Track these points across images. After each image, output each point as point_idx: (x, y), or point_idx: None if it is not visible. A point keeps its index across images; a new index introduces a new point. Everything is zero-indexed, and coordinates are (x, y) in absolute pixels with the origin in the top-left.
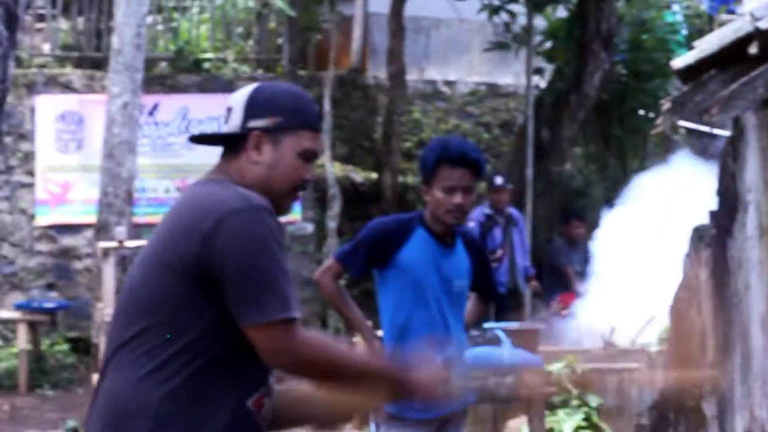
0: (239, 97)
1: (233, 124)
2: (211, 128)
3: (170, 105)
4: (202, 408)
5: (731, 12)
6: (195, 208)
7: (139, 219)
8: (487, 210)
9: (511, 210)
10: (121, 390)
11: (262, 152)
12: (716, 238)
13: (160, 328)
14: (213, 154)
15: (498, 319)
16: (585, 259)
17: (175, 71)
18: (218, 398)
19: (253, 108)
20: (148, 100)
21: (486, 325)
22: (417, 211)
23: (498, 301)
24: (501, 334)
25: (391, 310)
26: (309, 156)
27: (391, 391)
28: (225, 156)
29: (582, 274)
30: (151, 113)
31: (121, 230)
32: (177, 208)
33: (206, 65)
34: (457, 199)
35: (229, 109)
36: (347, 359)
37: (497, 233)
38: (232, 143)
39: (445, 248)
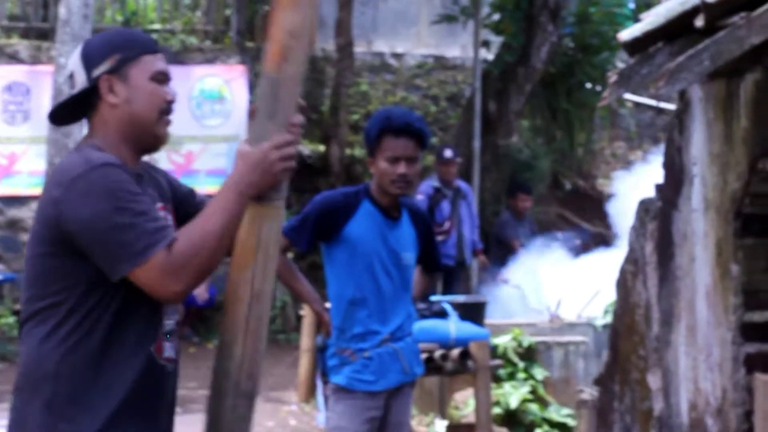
0: (74, 59)
1: (80, 83)
2: None
3: None
4: (104, 364)
5: None
6: (49, 179)
7: None
8: (436, 183)
9: (460, 183)
10: (26, 357)
11: (116, 93)
12: (662, 211)
13: (49, 296)
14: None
15: (445, 292)
16: (531, 232)
17: None
18: (119, 352)
19: (89, 59)
20: None
21: (433, 298)
22: (363, 184)
23: (445, 273)
24: (448, 307)
25: (339, 283)
26: (161, 78)
27: (252, 189)
28: (90, 119)
29: (527, 247)
30: None
31: None
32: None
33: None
34: (401, 168)
35: (71, 75)
36: (215, 224)
37: (445, 206)
38: (89, 105)
39: (392, 221)
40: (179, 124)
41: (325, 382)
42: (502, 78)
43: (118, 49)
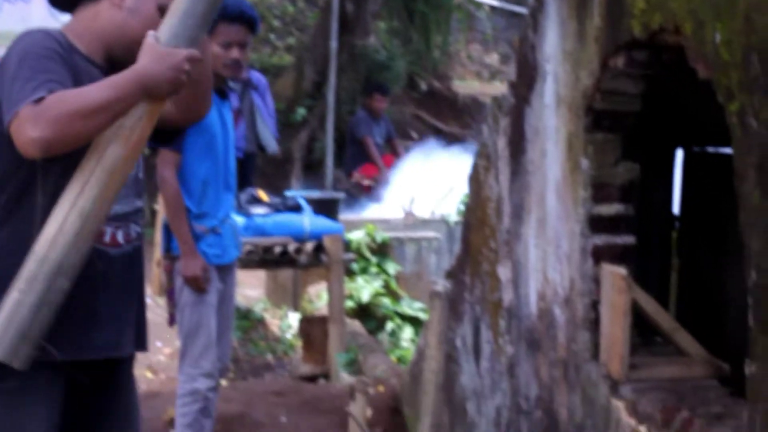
0: None
1: None
2: None
3: None
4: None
5: None
6: None
7: None
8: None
9: (253, 74)
10: None
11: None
12: (514, 108)
13: None
14: (19, 20)
15: (240, 184)
16: (387, 132)
17: None
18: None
19: None
20: None
21: (288, 192)
22: None
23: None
24: (302, 202)
25: (193, 165)
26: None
27: (144, 91)
28: (79, 10)
29: (383, 147)
30: None
31: None
32: None
33: None
34: (234, 53)
35: None
36: (98, 94)
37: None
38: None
39: (222, 102)
40: None
41: (171, 259)
42: None
43: None
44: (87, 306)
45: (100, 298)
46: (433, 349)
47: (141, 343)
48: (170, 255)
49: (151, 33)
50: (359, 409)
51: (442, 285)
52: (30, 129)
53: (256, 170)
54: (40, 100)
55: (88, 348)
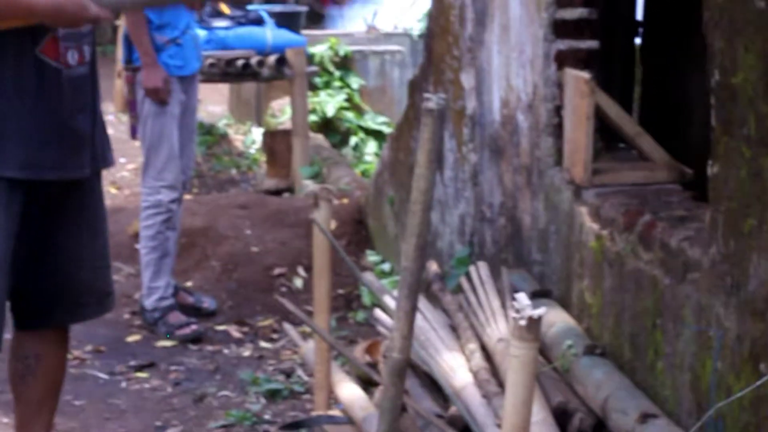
0: None
1: None
2: None
3: None
4: None
5: None
6: None
7: None
8: None
9: None
10: None
11: None
12: None
13: None
14: None
15: None
16: None
17: None
18: None
19: None
20: None
21: (250, 6)
22: None
23: None
24: (264, 15)
25: None
26: None
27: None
28: None
29: None
30: None
31: None
32: None
33: None
34: None
35: None
36: None
37: None
38: None
39: None
40: None
41: (133, 71)
42: None
43: None
44: (41, 126)
45: (55, 119)
46: (423, 168)
47: (104, 160)
48: (131, 66)
49: None
50: (323, 217)
51: (435, 101)
52: None
53: None
54: None
55: (42, 168)
